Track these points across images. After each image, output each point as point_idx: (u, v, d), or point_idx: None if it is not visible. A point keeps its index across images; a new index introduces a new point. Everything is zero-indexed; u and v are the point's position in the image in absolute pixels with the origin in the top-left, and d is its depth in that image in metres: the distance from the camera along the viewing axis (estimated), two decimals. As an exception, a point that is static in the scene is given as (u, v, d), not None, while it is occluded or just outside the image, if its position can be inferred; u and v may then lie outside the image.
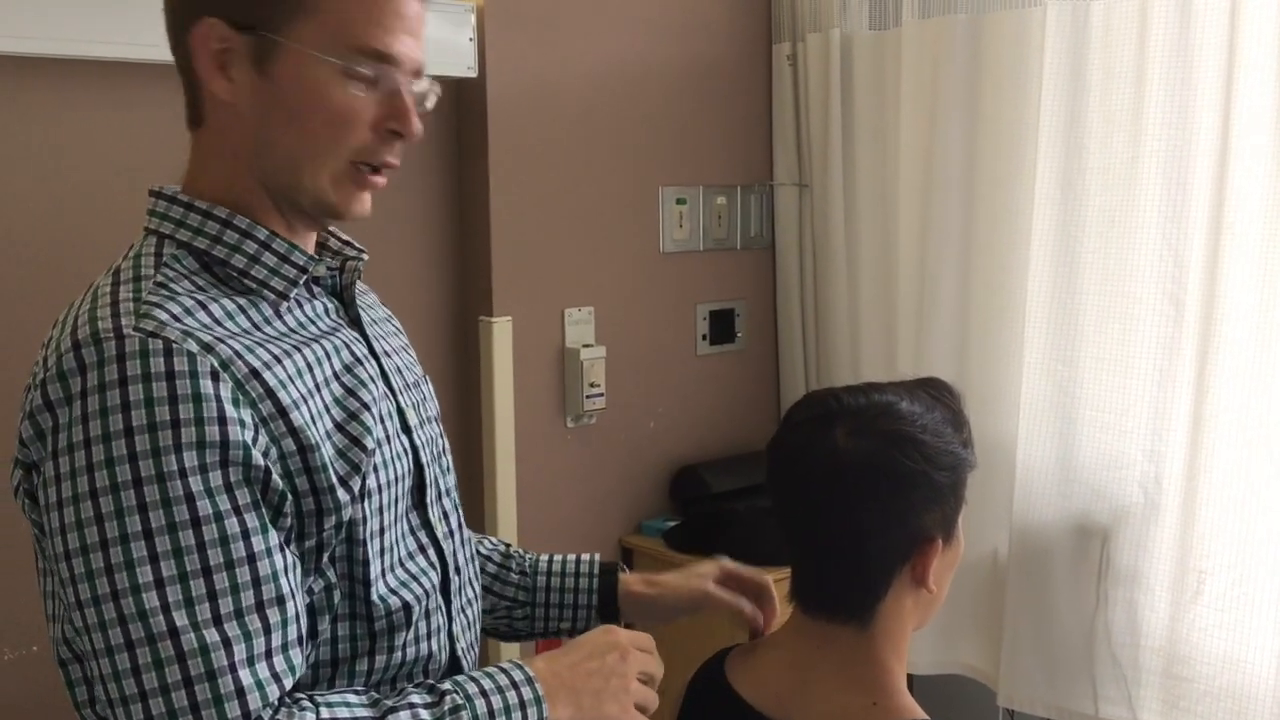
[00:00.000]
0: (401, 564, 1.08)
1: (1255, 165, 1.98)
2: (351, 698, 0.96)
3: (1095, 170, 2.21)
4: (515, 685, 0.99)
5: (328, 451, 0.99)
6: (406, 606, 1.06)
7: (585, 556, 1.40)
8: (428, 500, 1.13)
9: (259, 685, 0.89)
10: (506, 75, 2.42)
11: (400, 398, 1.12)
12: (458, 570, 1.17)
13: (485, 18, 2.37)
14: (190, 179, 1.07)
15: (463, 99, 2.44)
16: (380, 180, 1.07)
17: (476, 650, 1.21)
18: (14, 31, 1.83)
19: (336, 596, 1.02)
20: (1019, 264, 2.34)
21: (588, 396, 2.55)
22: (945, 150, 2.47)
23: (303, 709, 0.92)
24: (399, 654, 1.07)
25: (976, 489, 1.15)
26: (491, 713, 0.97)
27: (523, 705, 0.98)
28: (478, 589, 1.23)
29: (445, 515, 1.17)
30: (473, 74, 2.35)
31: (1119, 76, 2.16)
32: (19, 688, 1.96)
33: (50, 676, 1.95)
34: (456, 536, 1.18)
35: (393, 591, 1.06)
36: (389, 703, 0.96)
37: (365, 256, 1.17)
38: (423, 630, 1.09)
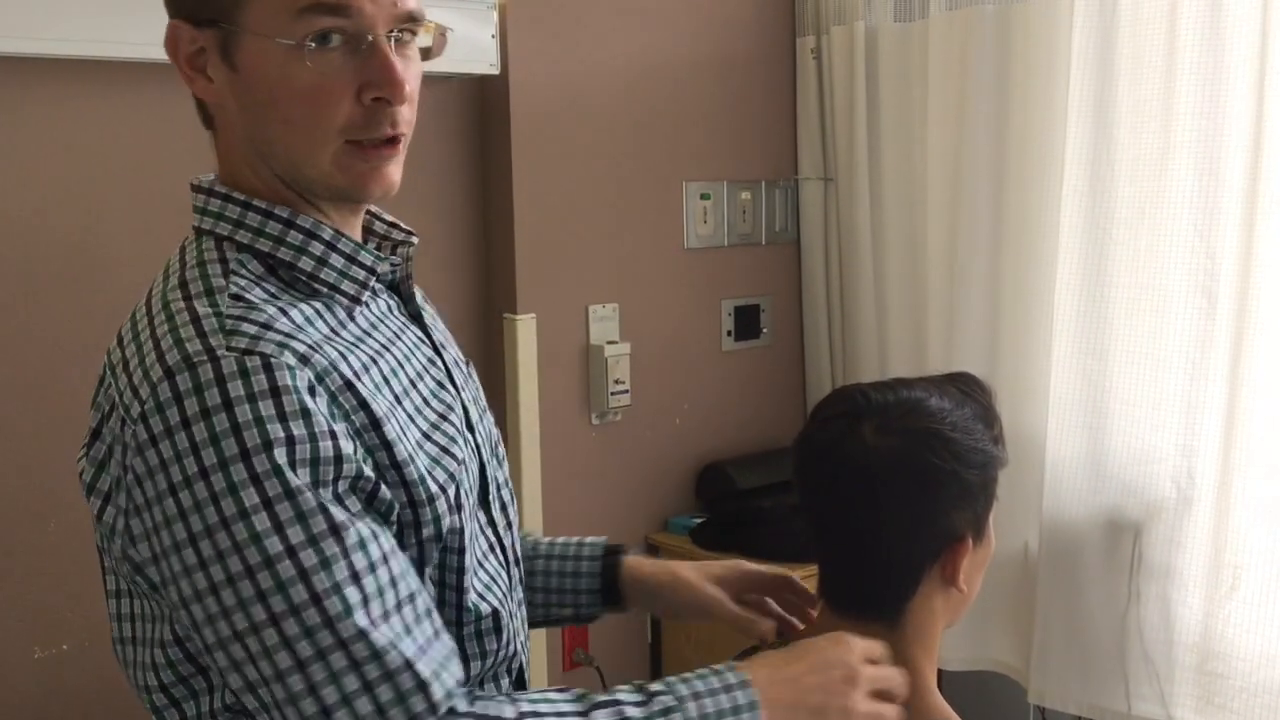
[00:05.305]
0: (480, 565, 1.06)
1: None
2: (554, 694, 0.93)
3: (1125, 161, 2.18)
4: (730, 688, 0.95)
5: (422, 463, 0.96)
6: (495, 611, 1.04)
7: (589, 539, 1.32)
8: (490, 496, 1.09)
9: (437, 675, 0.88)
10: (529, 72, 2.41)
11: (463, 394, 1.09)
12: (517, 563, 1.14)
13: (508, 15, 2.36)
14: (222, 175, 1.02)
15: (485, 96, 2.43)
16: (391, 150, 0.97)
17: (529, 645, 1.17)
18: (47, 33, 1.83)
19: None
20: (1048, 257, 2.31)
21: (612, 394, 2.54)
22: (973, 143, 2.44)
23: (498, 701, 0.90)
24: (490, 659, 1.05)
25: (1007, 484, 1.13)
26: (704, 716, 0.93)
27: (737, 710, 0.94)
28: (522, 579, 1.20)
29: (504, 508, 1.13)
30: (495, 71, 2.34)
31: (1149, 65, 2.12)
32: (48, 686, 1.96)
33: (79, 674, 1.98)
34: (514, 530, 1.15)
35: (481, 597, 1.04)
36: (597, 698, 0.93)
37: (415, 240, 1.10)
38: (510, 632, 1.07)
